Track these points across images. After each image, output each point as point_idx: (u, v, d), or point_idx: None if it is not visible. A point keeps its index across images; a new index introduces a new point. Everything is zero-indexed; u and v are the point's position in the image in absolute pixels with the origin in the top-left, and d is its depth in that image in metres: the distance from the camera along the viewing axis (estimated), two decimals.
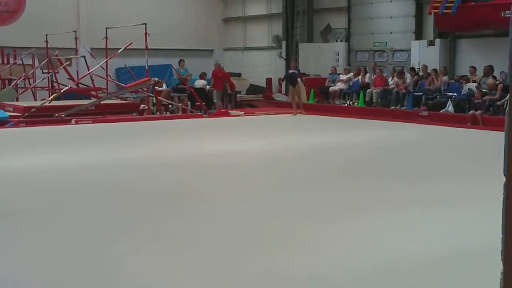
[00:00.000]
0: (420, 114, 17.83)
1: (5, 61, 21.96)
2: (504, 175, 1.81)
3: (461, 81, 18.18)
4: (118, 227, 6.11)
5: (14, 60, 21.83)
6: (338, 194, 7.62)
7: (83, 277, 4.67)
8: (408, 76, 19.38)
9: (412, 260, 4.96)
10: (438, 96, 18.09)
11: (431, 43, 20.34)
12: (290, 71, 17.10)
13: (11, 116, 16.59)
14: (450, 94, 17.86)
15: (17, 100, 19.71)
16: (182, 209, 6.86)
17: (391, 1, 21.90)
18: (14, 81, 20.71)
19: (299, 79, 17.38)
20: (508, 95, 1.82)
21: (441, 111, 17.59)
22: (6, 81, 21.18)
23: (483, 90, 16.91)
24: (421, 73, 19.60)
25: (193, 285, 4.51)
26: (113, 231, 5.95)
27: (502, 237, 1.88)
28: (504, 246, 1.90)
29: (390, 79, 20.03)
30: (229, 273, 4.74)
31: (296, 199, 7.30)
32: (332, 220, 6.27)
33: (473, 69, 18.16)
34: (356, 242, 5.48)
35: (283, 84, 22.80)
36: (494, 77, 17.27)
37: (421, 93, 18.65)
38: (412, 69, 19.83)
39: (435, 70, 18.71)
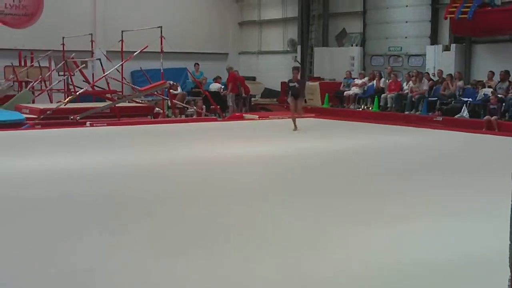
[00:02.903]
0: (434, 119, 17.76)
1: (22, 64, 22.12)
2: None
3: (477, 86, 18.11)
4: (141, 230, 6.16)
5: (31, 63, 21.99)
6: (367, 199, 7.61)
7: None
8: (425, 81, 19.30)
9: (427, 264, 4.97)
10: (453, 101, 18.02)
11: (447, 48, 20.25)
12: (291, 84, 14.72)
13: (27, 118, 16.71)
14: (465, 99, 17.79)
15: (33, 102, 19.86)
16: (209, 208, 6.90)
17: (406, 6, 21.84)
18: (31, 84, 20.84)
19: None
20: None
21: (456, 116, 17.51)
22: (23, 84, 21.33)
23: (499, 95, 16.83)
24: (436, 78, 19.55)
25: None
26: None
27: (510, 244, 1.90)
28: (511, 252, 1.91)
29: (405, 84, 19.99)
30: (258, 274, 4.79)
31: (327, 204, 7.32)
32: (363, 224, 6.29)
33: (492, 74, 18.05)
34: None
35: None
36: (510, 82, 17.19)
37: (435, 98, 18.59)
38: (426, 74, 19.77)
39: (450, 75, 18.64)
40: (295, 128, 14.47)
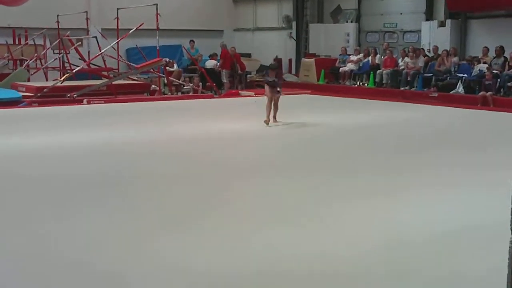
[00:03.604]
0: (430, 95, 17.84)
1: (17, 42, 22.05)
2: None
3: (472, 62, 18.16)
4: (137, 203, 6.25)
5: (25, 41, 21.92)
6: (357, 174, 7.72)
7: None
8: (420, 57, 19.33)
9: (425, 236, 5.08)
10: (448, 77, 18.09)
11: (442, 24, 20.28)
12: (269, 79, 12.44)
13: (23, 96, 16.74)
14: (460, 75, 17.86)
15: (28, 80, 19.84)
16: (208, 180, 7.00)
17: None
18: (26, 62, 20.81)
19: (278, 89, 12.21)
20: None
21: (451, 92, 17.59)
22: (18, 62, 21.29)
23: (494, 71, 16.90)
24: (431, 54, 19.60)
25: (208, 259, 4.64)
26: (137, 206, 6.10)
27: (511, 207, 1.98)
28: None
29: (400, 60, 20.04)
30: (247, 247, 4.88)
31: (315, 178, 7.42)
32: (350, 199, 6.39)
33: (487, 49, 18.09)
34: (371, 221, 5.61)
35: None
36: (506, 58, 17.25)
37: (431, 74, 18.66)
38: (422, 50, 19.82)
39: (446, 51, 18.69)
40: (268, 120, 11.90)
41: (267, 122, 11.79)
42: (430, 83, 18.48)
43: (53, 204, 6.28)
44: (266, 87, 12.36)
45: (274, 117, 12.06)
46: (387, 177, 7.44)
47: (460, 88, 17.48)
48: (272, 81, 12.23)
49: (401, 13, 21.98)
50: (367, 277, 4.28)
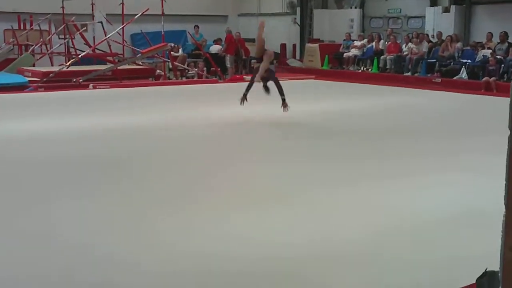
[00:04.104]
0: (433, 80, 17.91)
1: (22, 27, 22.13)
2: (509, 129, 2.04)
3: (476, 47, 18.21)
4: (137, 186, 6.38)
5: (30, 26, 22.00)
6: (350, 160, 7.84)
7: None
8: (424, 43, 19.39)
9: (425, 219, 5.20)
10: (452, 63, 18.15)
11: (446, 10, 20.30)
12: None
13: (29, 81, 16.86)
14: (464, 60, 17.91)
15: (34, 65, 19.94)
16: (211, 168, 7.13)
17: None
18: (31, 47, 20.90)
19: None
20: None
21: (454, 77, 17.66)
22: (23, 47, 21.38)
23: (498, 57, 16.96)
24: (435, 40, 19.64)
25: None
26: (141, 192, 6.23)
27: (505, 184, 2.09)
28: (506, 192, 2.11)
29: (404, 45, 20.09)
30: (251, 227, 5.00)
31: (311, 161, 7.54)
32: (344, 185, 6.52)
33: (490, 35, 18.13)
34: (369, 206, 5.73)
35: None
36: (510, 44, 17.30)
37: (434, 60, 18.72)
38: (426, 36, 19.86)
39: (450, 37, 18.72)
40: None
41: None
42: (434, 68, 18.54)
43: (65, 185, 6.43)
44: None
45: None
46: (389, 162, 7.54)
47: (463, 74, 17.54)
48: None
49: None
50: (362, 260, 4.39)
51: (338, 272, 4.17)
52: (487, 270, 2.46)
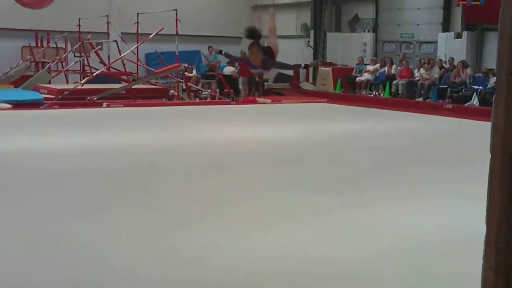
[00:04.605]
0: (444, 106, 18.01)
1: (39, 45, 22.49)
2: (490, 152, 2.18)
3: (488, 74, 18.31)
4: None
5: (47, 44, 22.36)
6: (367, 180, 7.92)
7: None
8: (435, 69, 19.52)
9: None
10: (464, 89, 18.26)
11: (459, 36, 20.46)
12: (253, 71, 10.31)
13: (45, 98, 17.11)
14: (476, 87, 18.02)
15: (49, 82, 20.25)
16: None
17: None
18: (48, 64, 21.23)
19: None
20: None
21: (466, 104, 17.75)
22: (40, 64, 21.72)
23: None
24: (447, 66, 19.77)
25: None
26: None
27: (486, 205, 2.21)
28: (487, 212, 2.23)
29: (416, 71, 20.24)
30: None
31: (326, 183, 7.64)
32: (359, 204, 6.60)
33: None
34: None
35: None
36: None
37: (446, 86, 18.84)
38: (439, 61, 19.99)
39: (462, 63, 18.85)
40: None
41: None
42: (445, 94, 18.65)
43: (85, 198, 6.56)
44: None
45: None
46: (395, 187, 7.61)
47: (475, 100, 17.64)
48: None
49: (418, 24, 22.19)
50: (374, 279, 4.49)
51: None
52: None
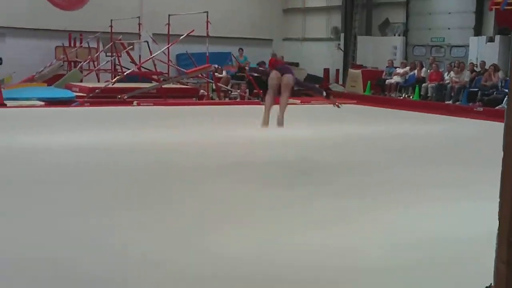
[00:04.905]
0: (475, 109, 17.86)
1: (72, 45, 22.81)
2: (503, 150, 2.23)
3: None
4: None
5: (80, 44, 22.66)
6: (386, 176, 7.94)
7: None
8: (466, 72, 19.37)
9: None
10: (495, 92, 18.11)
11: (491, 40, 20.28)
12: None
13: (76, 96, 17.37)
14: (507, 90, 17.80)
15: (81, 81, 20.53)
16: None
17: None
18: (80, 64, 21.52)
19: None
20: None
21: (497, 107, 17.59)
22: (73, 63, 22.03)
23: None
24: (478, 69, 19.60)
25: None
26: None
27: (499, 200, 2.25)
28: (500, 207, 2.27)
29: (446, 74, 20.12)
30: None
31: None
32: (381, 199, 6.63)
33: None
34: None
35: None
36: None
37: (477, 89, 18.68)
38: (471, 65, 19.82)
39: (494, 66, 18.68)
40: (267, 120, 9.43)
41: (266, 124, 8.76)
42: (476, 97, 18.50)
43: (118, 193, 6.68)
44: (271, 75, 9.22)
45: (281, 115, 8.73)
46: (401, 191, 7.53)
47: (506, 104, 17.44)
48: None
49: (448, 28, 22.05)
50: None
51: None
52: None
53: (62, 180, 7.32)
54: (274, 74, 8.78)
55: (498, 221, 2.27)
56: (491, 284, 2.59)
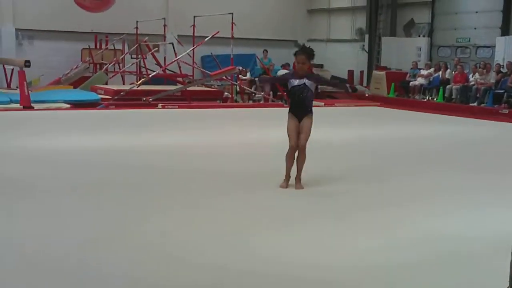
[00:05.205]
0: (500, 111, 17.71)
1: (98, 46, 23.03)
2: None
3: None
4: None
5: (106, 46, 22.87)
6: (403, 181, 7.95)
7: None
8: (492, 73, 19.19)
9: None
10: None
11: None
12: (295, 84, 7.79)
13: (102, 99, 17.56)
14: None
15: (106, 83, 20.73)
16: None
17: None
18: (105, 66, 21.73)
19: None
20: None
21: None
22: (98, 66, 22.25)
23: None
24: (504, 70, 19.40)
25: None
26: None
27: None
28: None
29: (471, 75, 19.95)
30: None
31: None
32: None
33: None
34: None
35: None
36: None
37: (503, 91, 18.50)
38: (497, 66, 19.62)
39: None
40: (287, 181, 7.57)
41: (285, 184, 7.46)
42: (502, 99, 18.32)
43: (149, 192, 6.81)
44: (290, 116, 7.76)
45: (298, 178, 7.53)
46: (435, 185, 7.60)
47: None
48: (301, 88, 7.63)
49: (475, 28, 21.85)
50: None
51: None
52: None
53: (117, 182, 7.52)
54: (291, 125, 7.54)
55: None
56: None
